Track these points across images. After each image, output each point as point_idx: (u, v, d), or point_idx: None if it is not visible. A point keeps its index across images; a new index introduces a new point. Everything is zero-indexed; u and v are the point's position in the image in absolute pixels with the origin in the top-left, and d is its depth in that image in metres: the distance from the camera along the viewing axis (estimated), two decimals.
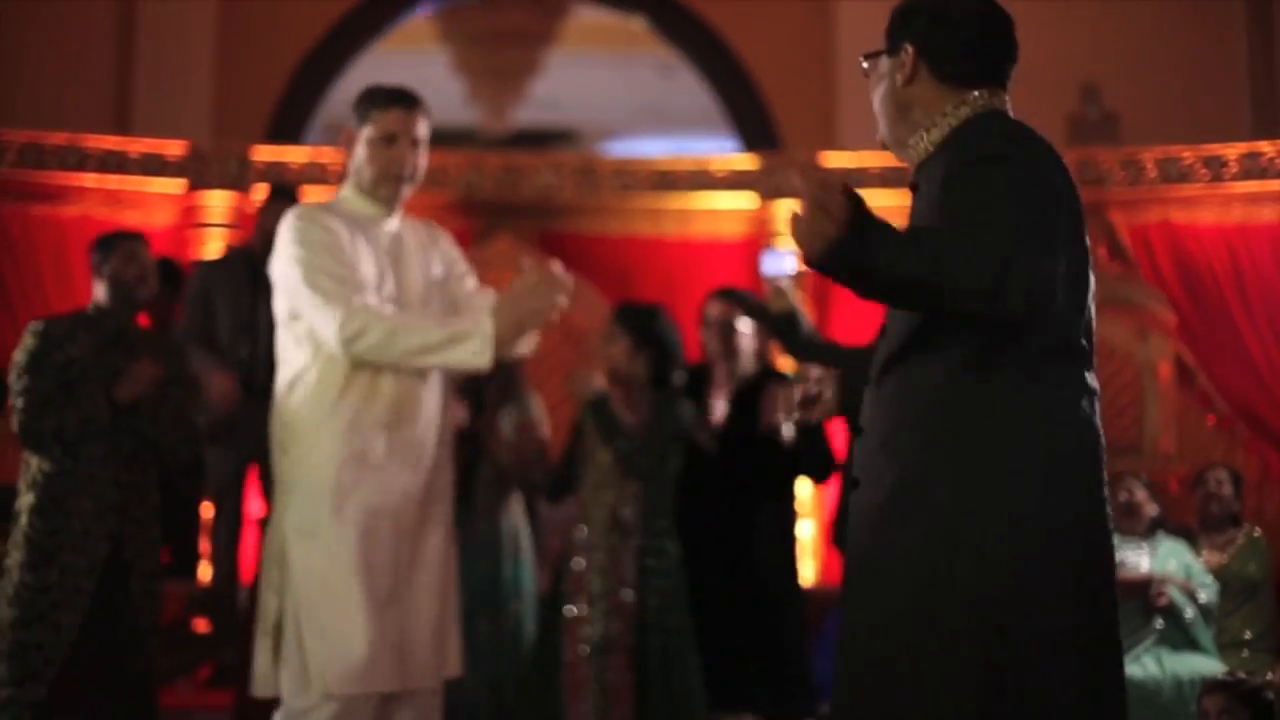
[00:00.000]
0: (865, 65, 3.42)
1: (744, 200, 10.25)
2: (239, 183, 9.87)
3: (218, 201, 9.86)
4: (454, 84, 13.65)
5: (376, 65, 11.56)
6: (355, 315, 4.69)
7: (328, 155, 10.09)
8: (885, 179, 9.97)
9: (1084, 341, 3.15)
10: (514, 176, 10.24)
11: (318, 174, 9.85)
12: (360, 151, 4.90)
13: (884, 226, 2.96)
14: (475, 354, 4.72)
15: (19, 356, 5.87)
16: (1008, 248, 2.92)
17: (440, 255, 5.07)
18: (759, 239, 10.13)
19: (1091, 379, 3.14)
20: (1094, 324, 3.20)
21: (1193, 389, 9.90)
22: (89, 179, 9.80)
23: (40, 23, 10.31)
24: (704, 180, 10.29)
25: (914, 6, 3.34)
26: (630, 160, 10.55)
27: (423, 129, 4.93)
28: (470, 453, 6.28)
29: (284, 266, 4.84)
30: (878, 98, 3.38)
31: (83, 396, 5.76)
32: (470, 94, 13.45)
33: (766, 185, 10.23)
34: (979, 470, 3.05)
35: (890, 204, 9.49)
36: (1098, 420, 3.12)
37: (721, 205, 10.31)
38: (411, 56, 12.92)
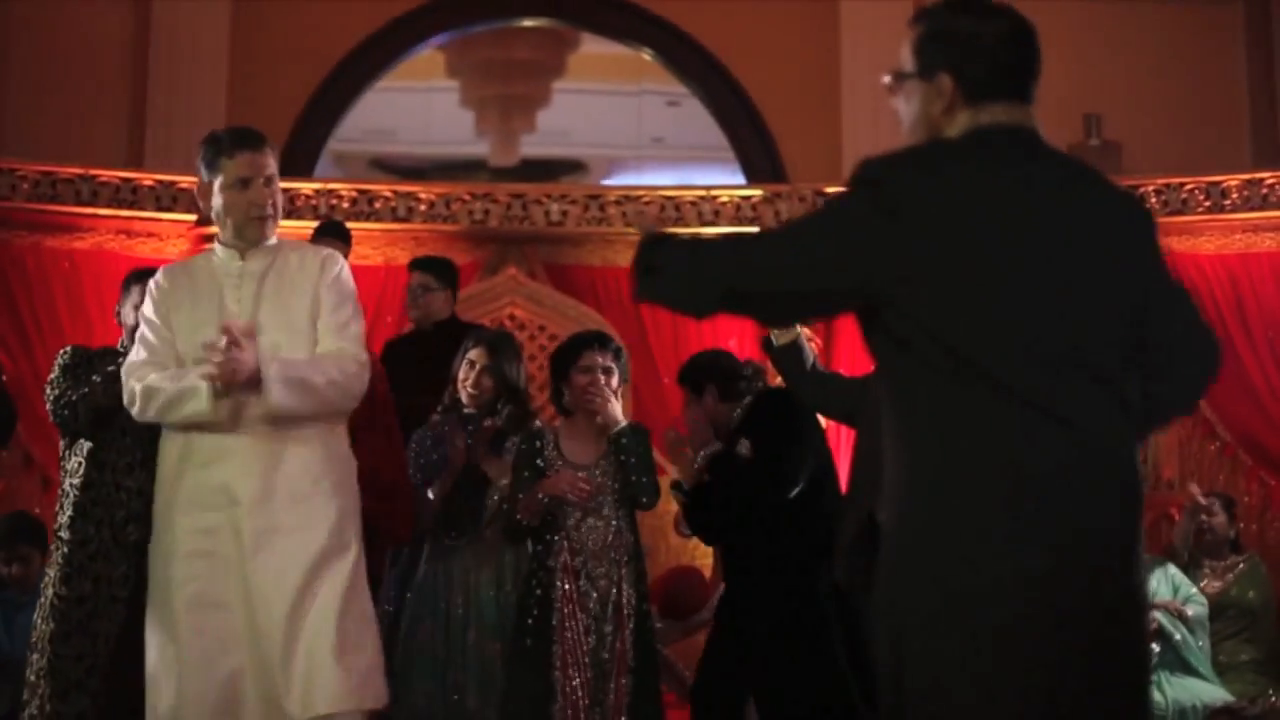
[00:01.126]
0: (889, 82, 3.31)
1: (747, 232, 10.31)
2: None
3: None
4: (462, 116, 13.71)
5: (385, 99, 11.67)
6: (129, 386, 4.98)
7: (338, 188, 10.19)
8: None
9: (1004, 369, 3.01)
10: (522, 207, 10.31)
11: (327, 207, 9.92)
12: (218, 201, 4.94)
13: (674, 242, 3.32)
14: (198, 409, 4.85)
15: (51, 376, 6.01)
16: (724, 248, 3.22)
17: (318, 284, 5.02)
18: None
19: (1019, 411, 3.01)
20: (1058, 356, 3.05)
21: (1195, 416, 9.95)
22: (102, 211, 9.90)
23: (54, 57, 10.42)
24: (710, 212, 10.36)
25: (945, 31, 3.23)
26: (637, 191, 10.61)
27: (272, 165, 4.96)
28: (478, 484, 6.32)
29: None
30: (909, 120, 3.29)
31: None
32: (478, 126, 13.51)
33: (772, 216, 10.30)
34: (890, 511, 3.13)
35: None
36: (1022, 450, 3.01)
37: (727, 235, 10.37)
38: (419, 89, 12.99)
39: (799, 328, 6.18)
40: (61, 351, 6.11)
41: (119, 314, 6.18)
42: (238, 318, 4.86)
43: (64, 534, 5.92)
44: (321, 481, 4.89)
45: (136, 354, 5.07)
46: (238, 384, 4.76)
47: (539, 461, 6.10)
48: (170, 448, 4.97)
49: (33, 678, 5.87)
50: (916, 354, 3.05)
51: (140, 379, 4.98)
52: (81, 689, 5.77)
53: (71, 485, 5.94)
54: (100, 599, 5.84)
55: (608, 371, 6.16)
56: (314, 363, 4.93)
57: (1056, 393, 3.02)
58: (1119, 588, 3.06)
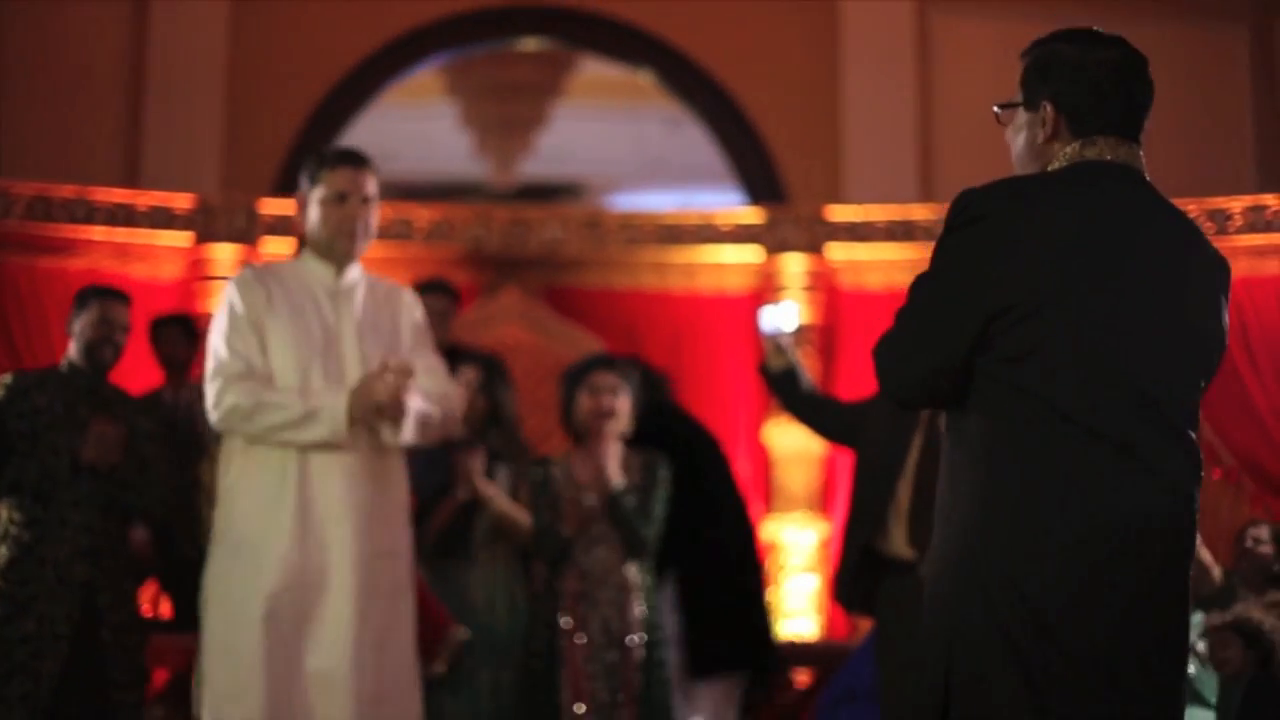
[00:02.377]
0: (999, 113, 3.43)
1: (750, 254, 10.28)
2: (247, 236, 9.91)
3: (225, 254, 9.88)
4: (461, 137, 13.69)
5: (384, 119, 11.62)
6: (228, 390, 4.92)
7: None
8: (891, 232, 10.02)
9: (1096, 416, 3.08)
10: (521, 229, 10.26)
11: None
12: (314, 212, 5.02)
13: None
14: (330, 432, 4.91)
15: None
16: (893, 353, 3.29)
17: (404, 321, 5.18)
18: (765, 293, 10.15)
19: (1100, 454, 3.08)
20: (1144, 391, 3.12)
21: (1198, 442, 9.89)
22: (97, 232, 9.83)
23: (50, 75, 10.37)
24: (710, 234, 10.32)
25: (1049, 60, 3.31)
26: (636, 214, 10.59)
27: (371, 186, 5.04)
28: (470, 507, 6.31)
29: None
30: (1017, 148, 3.39)
31: (46, 450, 5.79)
32: (477, 147, 13.50)
33: (772, 239, 10.26)
34: (956, 541, 3.16)
35: (896, 256, 9.63)
36: (1103, 497, 3.07)
37: (727, 259, 10.34)
38: (419, 110, 12.96)
39: (792, 353, 6.15)
40: (1, 380, 6.02)
41: (71, 325, 6.10)
42: (338, 334, 4.88)
43: (5, 571, 5.84)
44: (402, 508, 5.11)
45: (229, 360, 5.01)
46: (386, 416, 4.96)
47: (553, 489, 6.12)
48: (268, 467, 4.95)
49: None
50: (1004, 389, 3.12)
51: (248, 393, 4.95)
52: None
53: (13, 521, 5.86)
54: (44, 638, 5.77)
55: (613, 390, 6.16)
56: (436, 401, 5.16)
57: (1140, 438, 3.09)
58: (1174, 631, 3.16)
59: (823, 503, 10.10)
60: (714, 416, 9.87)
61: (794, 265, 10.20)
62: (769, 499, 10.16)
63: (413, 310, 5.24)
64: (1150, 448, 3.10)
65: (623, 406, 6.18)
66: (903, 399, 3.41)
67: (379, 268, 9.91)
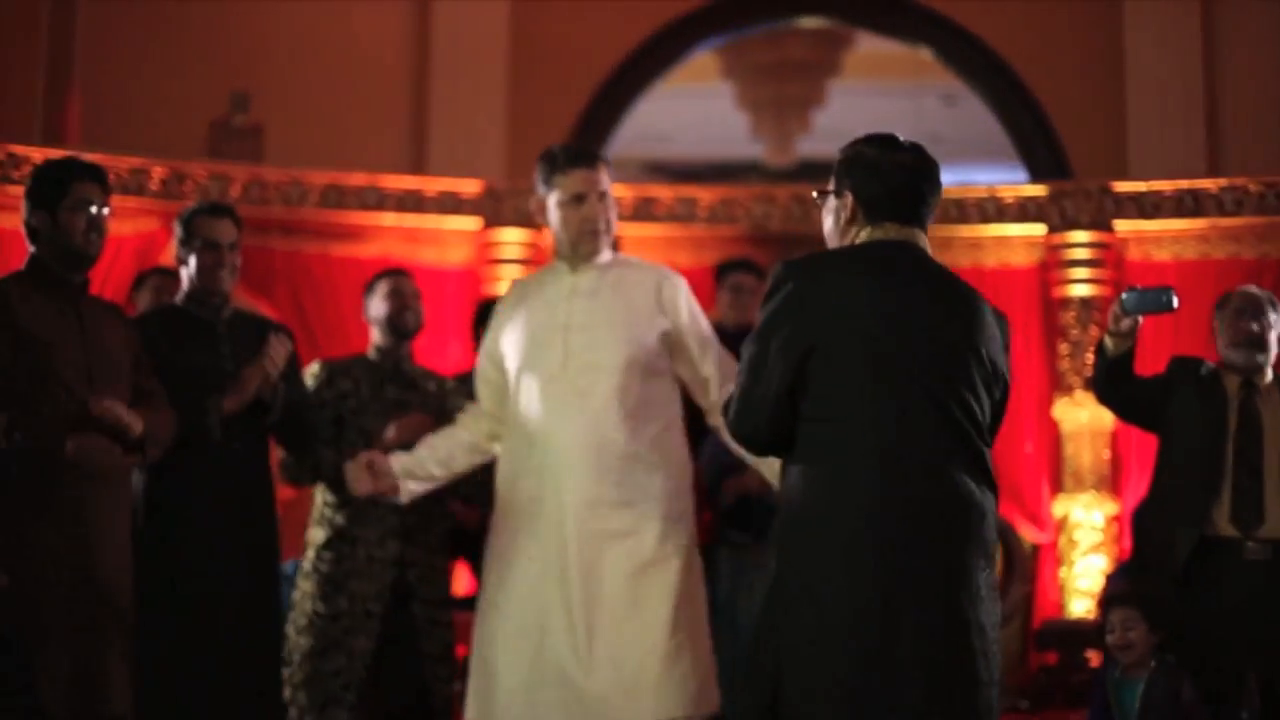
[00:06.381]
0: (816, 197, 4.04)
1: (1034, 229, 10.15)
2: (532, 220, 10.04)
3: (512, 238, 10.06)
4: (739, 118, 13.71)
5: (662, 102, 11.70)
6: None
7: (616, 190, 10.23)
8: (1179, 204, 9.87)
9: (864, 430, 3.67)
10: (803, 208, 10.24)
11: None
12: (554, 216, 5.06)
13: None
14: None
15: None
16: (736, 407, 3.86)
17: (646, 303, 5.13)
18: (1049, 267, 10.06)
19: (873, 462, 3.66)
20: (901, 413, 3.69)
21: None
22: (387, 218, 10.07)
23: (338, 68, 10.62)
24: (994, 209, 10.20)
25: (854, 158, 3.92)
26: None
27: (605, 182, 5.10)
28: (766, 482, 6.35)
29: None
30: (827, 227, 3.98)
31: (353, 434, 5.94)
32: (754, 127, 13.52)
33: (1056, 214, 10.12)
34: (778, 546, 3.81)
35: (1184, 228, 9.49)
36: (861, 499, 3.65)
37: (1012, 234, 10.22)
38: (696, 92, 13.02)
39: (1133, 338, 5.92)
40: (307, 370, 6.18)
41: (367, 312, 6.27)
42: (562, 331, 5.00)
43: (322, 551, 6.01)
44: (651, 488, 5.01)
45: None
46: None
47: None
48: (506, 455, 5.11)
49: (289, 690, 5.96)
50: (811, 421, 3.73)
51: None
52: (339, 704, 5.87)
53: (326, 504, 6.03)
54: (356, 615, 5.92)
55: None
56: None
57: (923, 445, 3.70)
58: (946, 611, 3.64)
59: (1112, 481, 9.94)
60: None
61: (1079, 240, 10.07)
62: (1058, 477, 10.04)
63: (664, 289, 5.17)
64: (937, 453, 3.70)
65: None
66: (752, 446, 3.96)
67: (663, 249, 10.04)
